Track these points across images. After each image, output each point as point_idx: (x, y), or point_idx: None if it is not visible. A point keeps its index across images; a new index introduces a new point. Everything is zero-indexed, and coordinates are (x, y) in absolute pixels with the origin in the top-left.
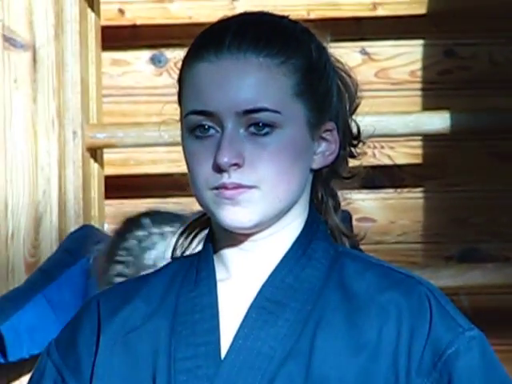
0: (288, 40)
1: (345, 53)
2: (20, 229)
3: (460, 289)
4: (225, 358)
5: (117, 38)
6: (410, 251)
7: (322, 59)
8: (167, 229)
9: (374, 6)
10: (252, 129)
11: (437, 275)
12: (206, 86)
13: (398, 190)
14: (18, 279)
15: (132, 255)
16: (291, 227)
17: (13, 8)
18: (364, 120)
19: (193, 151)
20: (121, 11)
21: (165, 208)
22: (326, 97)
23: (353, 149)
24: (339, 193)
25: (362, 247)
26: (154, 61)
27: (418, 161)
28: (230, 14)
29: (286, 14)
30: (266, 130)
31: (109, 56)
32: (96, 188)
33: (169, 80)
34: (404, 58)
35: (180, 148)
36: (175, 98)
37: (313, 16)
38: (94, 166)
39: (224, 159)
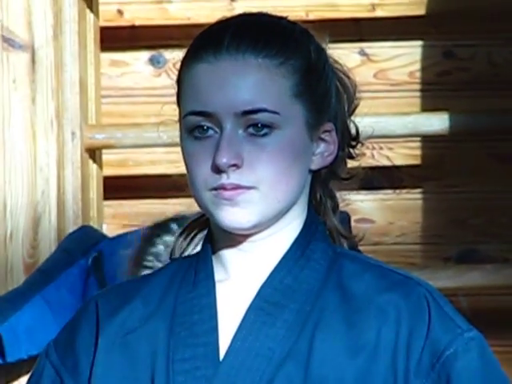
0: (287, 41)
1: (343, 54)
2: (19, 229)
3: (459, 290)
4: (223, 359)
5: (115, 38)
6: (409, 252)
7: (320, 60)
8: None
9: (373, 7)
10: (251, 130)
11: (435, 276)
12: (204, 86)
13: (397, 191)
14: (16, 280)
15: (160, 261)
16: (290, 228)
17: (11, 8)
18: (363, 121)
19: (191, 152)
20: (120, 12)
21: (191, 212)
22: (325, 98)
23: (351, 150)
24: (338, 194)
25: (360, 248)
26: (153, 61)
27: (417, 162)
28: (228, 14)
29: (284, 14)
30: (265, 130)
31: (107, 57)
32: (95, 189)
33: (167, 81)
34: (403, 59)
35: (179, 149)
36: (174, 98)
37: (311, 17)
38: (93, 166)
39: (223, 160)
